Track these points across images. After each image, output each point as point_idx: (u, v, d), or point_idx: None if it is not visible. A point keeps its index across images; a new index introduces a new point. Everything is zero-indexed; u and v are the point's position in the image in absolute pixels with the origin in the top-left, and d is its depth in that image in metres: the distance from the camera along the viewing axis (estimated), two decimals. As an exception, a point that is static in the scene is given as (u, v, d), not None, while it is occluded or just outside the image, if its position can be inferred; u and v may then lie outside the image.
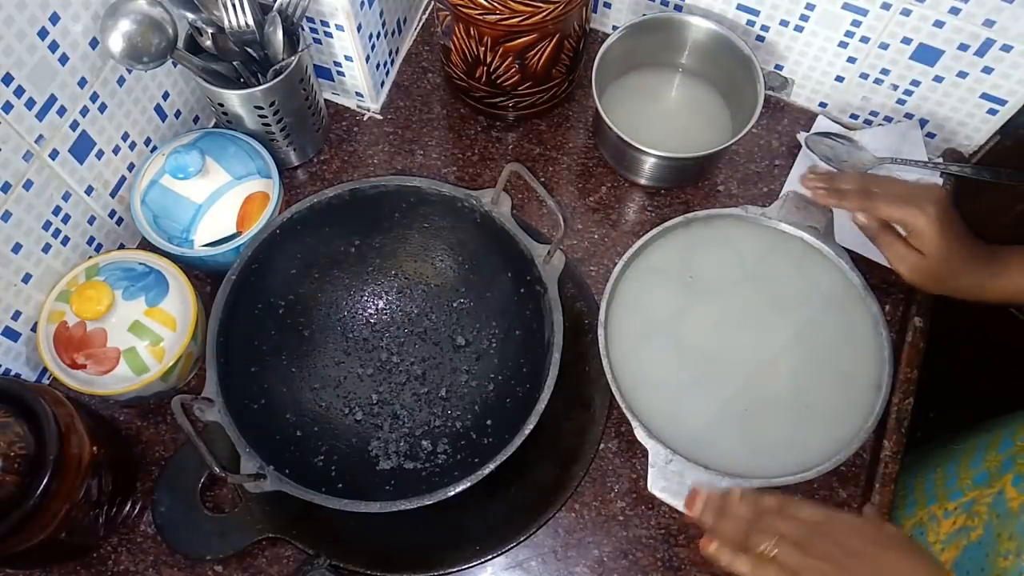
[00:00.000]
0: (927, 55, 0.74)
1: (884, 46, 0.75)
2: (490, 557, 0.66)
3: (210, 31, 0.70)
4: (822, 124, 0.83)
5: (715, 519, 0.61)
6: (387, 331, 0.75)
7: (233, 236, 0.71)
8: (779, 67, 0.83)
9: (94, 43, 0.65)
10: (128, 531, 0.68)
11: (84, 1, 0.63)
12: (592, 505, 0.70)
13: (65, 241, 0.70)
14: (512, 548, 0.67)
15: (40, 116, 0.63)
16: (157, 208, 0.71)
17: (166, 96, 0.76)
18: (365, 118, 0.85)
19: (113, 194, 0.74)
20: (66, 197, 0.69)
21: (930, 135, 0.82)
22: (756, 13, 0.79)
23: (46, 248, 0.68)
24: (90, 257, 0.73)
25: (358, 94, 0.84)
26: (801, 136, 0.82)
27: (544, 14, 0.69)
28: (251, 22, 0.69)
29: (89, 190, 0.71)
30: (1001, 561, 0.64)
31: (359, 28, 0.75)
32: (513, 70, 0.75)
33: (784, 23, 0.78)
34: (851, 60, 0.78)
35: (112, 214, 0.75)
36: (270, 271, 0.69)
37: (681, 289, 0.72)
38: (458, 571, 0.66)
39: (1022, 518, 0.64)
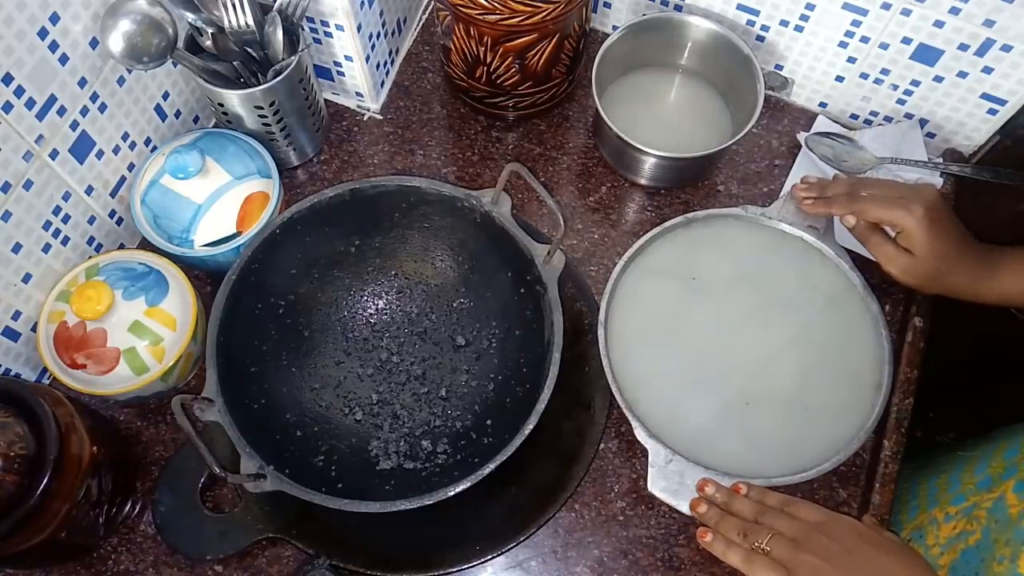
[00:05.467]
0: (927, 55, 0.74)
1: (884, 46, 0.75)
2: (490, 557, 0.66)
3: (210, 31, 0.70)
4: (822, 124, 0.83)
5: (717, 521, 0.61)
6: (387, 331, 0.75)
7: (233, 236, 0.71)
8: (779, 67, 0.83)
9: (94, 43, 0.65)
10: (128, 531, 0.68)
11: (84, 1, 0.63)
12: (592, 505, 0.70)
13: (65, 241, 0.70)
14: (512, 548, 0.67)
15: (40, 116, 0.63)
16: (157, 208, 0.71)
17: (166, 96, 0.76)
18: (365, 118, 0.85)
19: (113, 194, 0.74)
20: (66, 197, 0.69)
21: (930, 135, 0.82)
22: (756, 13, 0.79)
23: (46, 248, 0.68)
24: (90, 257, 0.73)
25: (358, 94, 0.84)
26: (801, 136, 0.82)
27: (544, 14, 0.69)
28: (251, 22, 0.69)
29: (89, 190, 0.71)
30: (996, 566, 0.64)
31: (359, 28, 0.75)
32: (513, 70, 0.76)
33: (784, 23, 0.78)
34: (851, 60, 0.78)
35: (112, 214, 0.75)
36: (270, 271, 0.69)
37: (681, 289, 0.72)
38: (458, 571, 0.66)
39: (1020, 524, 0.64)
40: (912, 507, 0.76)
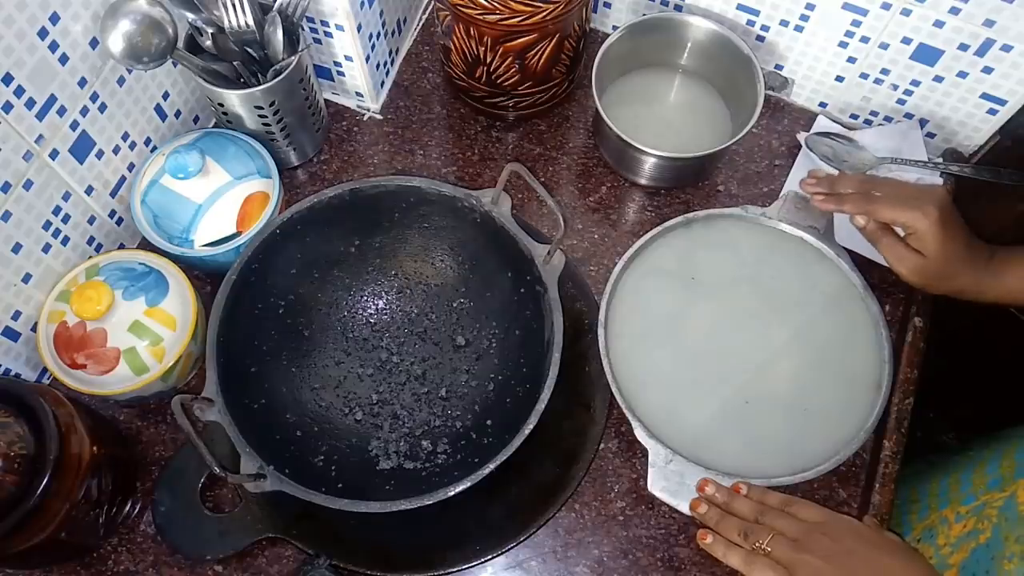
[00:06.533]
0: (927, 55, 0.74)
1: (884, 46, 0.75)
2: (490, 557, 0.66)
3: (210, 31, 0.70)
4: (822, 124, 0.83)
5: (717, 521, 0.61)
6: (387, 331, 0.75)
7: (233, 236, 0.71)
8: (779, 67, 0.83)
9: (94, 43, 0.65)
10: (128, 531, 0.68)
11: (84, 1, 0.63)
12: (592, 505, 0.70)
13: (65, 241, 0.70)
14: (512, 548, 0.67)
15: (40, 116, 0.63)
16: (157, 208, 0.71)
17: (166, 96, 0.76)
18: (365, 118, 0.85)
19: (113, 194, 0.74)
20: (66, 197, 0.69)
21: (930, 135, 0.82)
22: (756, 13, 0.79)
23: (46, 248, 0.68)
24: (90, 257, 0.73)
25: (358, 94, 0.84)
26: (801, 136, 0.82)
27: (544, 14, 0.69)
28: (251, 22, 0.69)
29: (89, 190, 0.71)
30: (1006, 564, 0.64)
31: (359, 28, 0.75)
32: (513, 70, 0.75)
33: (784, 23, 0.78)
34: (851, 60, 0.78)
35: (112, 214, 0.75)
36: (270, 271, 0.69)
37: (681, 289, 0.72)
38: (458, 571, 0.66)
39: None
40: (923, 507, 0.76)
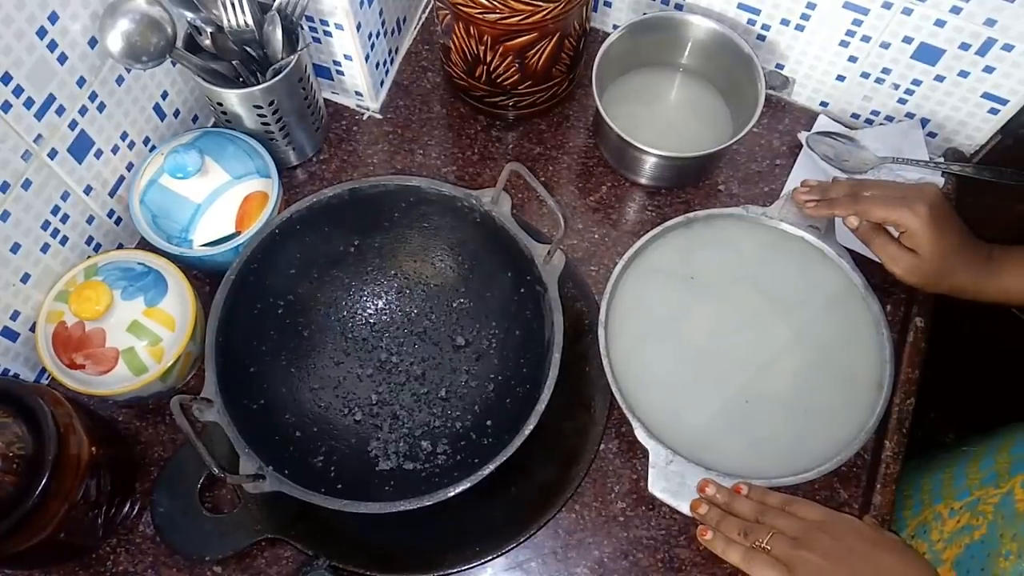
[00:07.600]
0: (928, 54, 0.74)
1: (885, 45, 0.75)
2: (490, 558, 0.66)
3: (209, 30, 0.70)
4: (823, 123, 0.83)
5: (718, 521, 0.61)
6: (387, 331, 0.75)
7: (232, 236, 0.71)
8: (780, 66, 0.83)
9: (93, 42, 0.65)
10: (127, 532, 0.68)
11: (83, 0, 0.63)
12: (592, 506, 0.70)
13: (64, 241, 0.70)
14: (512, 549, 0.66)
15: (39, 115, 0.63)
16: (156, 208, 0.71)
17: (165, 95, 0.76)
18: (364, 117, 0.85)
19: (112, 194, 0.74)
20: (65, 197, 0.69)
21: (931, 135, 0.82)
22: (757, 12, 0.79)
23: (44, 248, 0.68)
24: (89, 257, 0.72)
25: (357, 93, 0.84)
26: (802, 136, 0.82)
27: (544, 13, 0.69)
28: (250, 21, 0.69)
29: (88, 190, 0.71)
30: (1002, 561, 0.64)
31: (358, 27, 0.75)
32: (513, 69, 0.75)
33: (785, 22, 0.78)
34: (852, 59, 0.78)
35: (111, 214, 0.75)
36: (269, 271, 0.69)
37: (682, 289, 0.72)
38: (458, 572, 0.66)
39: None
40: (916, 503, 0.76)
